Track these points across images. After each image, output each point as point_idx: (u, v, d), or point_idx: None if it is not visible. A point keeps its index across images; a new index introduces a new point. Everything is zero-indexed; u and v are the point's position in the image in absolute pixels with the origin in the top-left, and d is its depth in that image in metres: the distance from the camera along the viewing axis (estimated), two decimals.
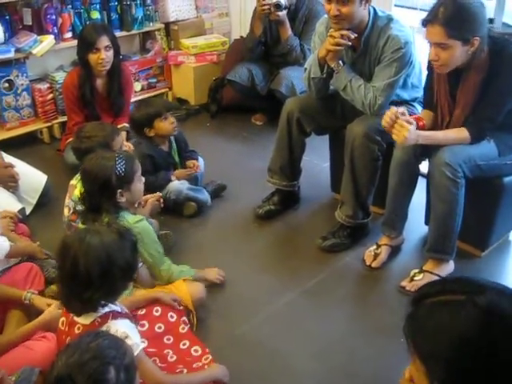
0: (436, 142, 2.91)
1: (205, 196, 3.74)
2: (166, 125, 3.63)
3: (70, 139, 4.05)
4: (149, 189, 3.13)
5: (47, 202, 3.75)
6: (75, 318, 2.08)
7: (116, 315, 2.07)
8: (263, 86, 4.70)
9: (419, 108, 3.35)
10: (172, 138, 3.77)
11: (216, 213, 3.77)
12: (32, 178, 3.73)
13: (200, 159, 3.87)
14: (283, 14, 4.42)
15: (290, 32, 4.51)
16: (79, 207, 2.89)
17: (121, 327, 2.02)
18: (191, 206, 3.69)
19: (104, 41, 3.97)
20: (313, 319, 2.90)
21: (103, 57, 3.95)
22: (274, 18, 4.46)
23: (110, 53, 4.01)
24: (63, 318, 2.15)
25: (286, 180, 3.65)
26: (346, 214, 3.35)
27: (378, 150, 3.18)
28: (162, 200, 3.18)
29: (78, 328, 2.05)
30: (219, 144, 4.65)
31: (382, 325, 2.83)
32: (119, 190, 2.62)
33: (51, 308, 2.50)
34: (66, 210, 3.11)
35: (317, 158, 4.13)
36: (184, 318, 2.63)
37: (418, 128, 2.87)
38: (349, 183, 3.30)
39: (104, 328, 1.99)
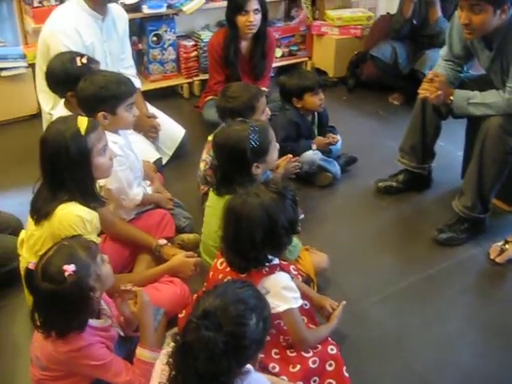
0: None
1: (336, 168, 3.74)
2: (315, 100, 3.62)
3: (210, 97, 4.17)
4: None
5: (182, 154, 3.88)
6: None
7: (283, 267, 2.13)
8: (405, 66, 4.61)
9: None
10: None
11: (344, 186, 3.76)
12: (171, 130, 3.88)
13: (338, 136, 3.84)
14: None
15: (439, 13, 4.38)
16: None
17: (286, 279, 2.09)
18: (328, 177, 3.71)
19: (254, 4, 3.99)
20: (430, 306, 2.85)
21: (251, 19, 3.98)
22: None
23: (259, 16, 4.03)
24: (222, 259, 2.19)
25: (416, 161, 3.55)
26: (464, 204, 3.21)
27: None
28: (297, 162, 3.17)
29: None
30: (354, 118, 4.62)
31: (502, 324, 2.75)
32: (255, 164, 2.50)
33: (179, 256, 2.62)
34: (202, 164, 3.19)
35: (452, 145, 4.01)
36: None
37: None
38: (474, 173, 3.15)
39: (271, 277, 2.05)
